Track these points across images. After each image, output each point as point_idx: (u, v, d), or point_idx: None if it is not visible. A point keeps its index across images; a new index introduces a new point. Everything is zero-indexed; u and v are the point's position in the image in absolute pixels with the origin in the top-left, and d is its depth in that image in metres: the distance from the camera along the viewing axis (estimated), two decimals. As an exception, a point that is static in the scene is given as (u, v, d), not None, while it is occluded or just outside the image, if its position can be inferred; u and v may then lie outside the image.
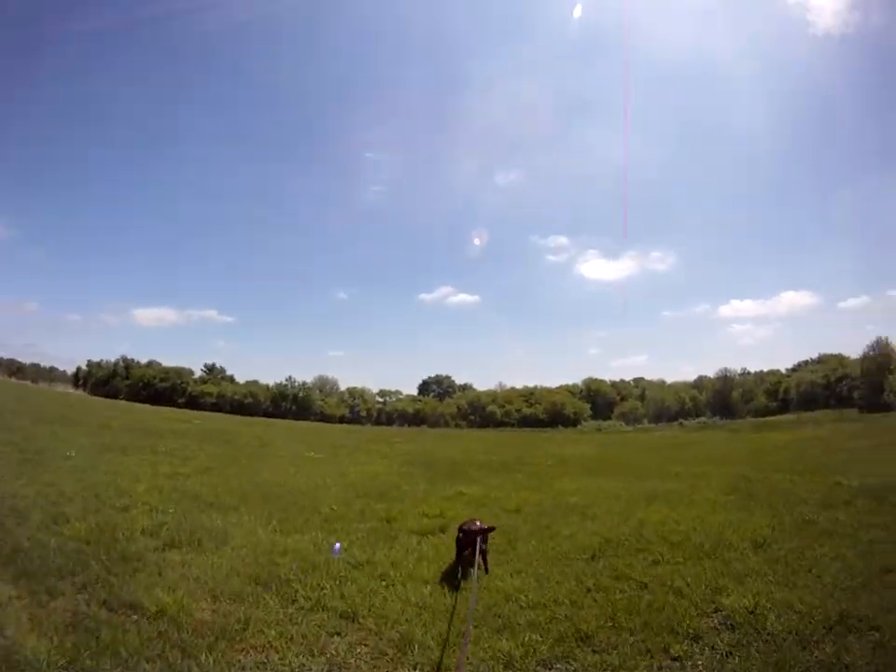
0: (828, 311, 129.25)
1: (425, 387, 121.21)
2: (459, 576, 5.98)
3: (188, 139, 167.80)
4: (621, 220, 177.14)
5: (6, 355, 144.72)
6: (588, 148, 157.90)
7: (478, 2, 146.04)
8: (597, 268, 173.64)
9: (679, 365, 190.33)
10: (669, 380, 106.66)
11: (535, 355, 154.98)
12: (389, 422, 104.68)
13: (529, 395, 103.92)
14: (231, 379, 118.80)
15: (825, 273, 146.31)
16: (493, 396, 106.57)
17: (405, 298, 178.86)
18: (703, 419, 77.53)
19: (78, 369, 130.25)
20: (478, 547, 6.10)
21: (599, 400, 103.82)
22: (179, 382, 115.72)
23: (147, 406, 64.74)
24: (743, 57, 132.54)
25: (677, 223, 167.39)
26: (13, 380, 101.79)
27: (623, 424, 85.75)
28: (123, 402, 70.97)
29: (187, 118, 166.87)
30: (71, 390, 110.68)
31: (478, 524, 6.56)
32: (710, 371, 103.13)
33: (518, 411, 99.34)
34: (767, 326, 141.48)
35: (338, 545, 7.09)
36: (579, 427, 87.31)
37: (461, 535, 6.39)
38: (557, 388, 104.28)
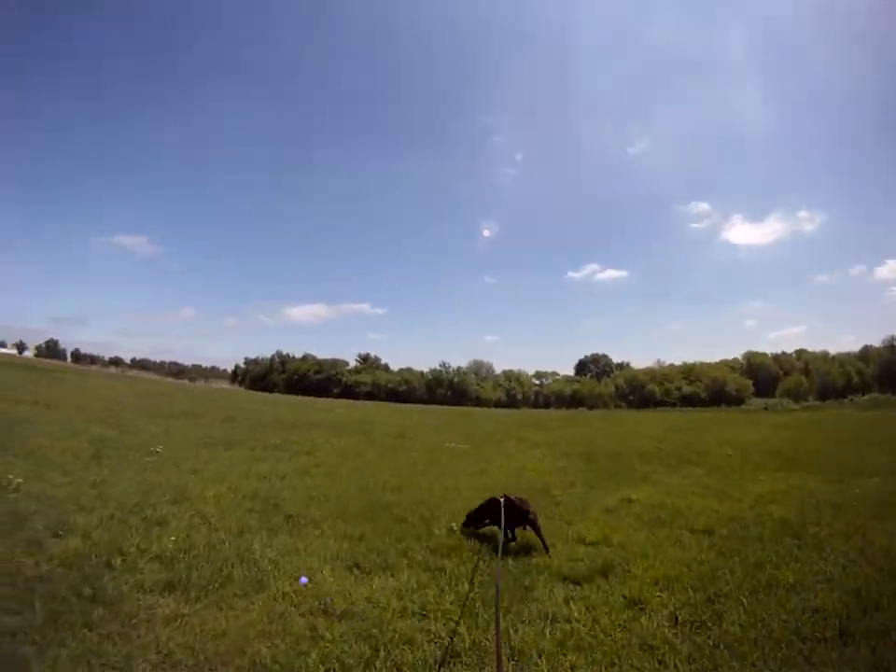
0: None
1: (582, 367, 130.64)
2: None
3: (321, 140, 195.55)
4: (763, 180, 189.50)
5: (168, 359, 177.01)
6: (721, 107, 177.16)
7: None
8: (743, 233, 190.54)
9: (840, 334, 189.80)
10: (832, 351, 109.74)
11: (690, 329, 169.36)
12: (546, 404, 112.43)
13: (689, 371, 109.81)
14: (386, 368, 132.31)
15: None
16: (651, 374, 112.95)
17: (553, 277, 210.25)
18: (874, 395, 76.77)
19: (236, 366, 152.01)
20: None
21: (761, 376, 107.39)
22: (334, 373, 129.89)
23: (295, 397, 70.07)
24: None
25: (822, 178, 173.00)
26: (170, 380, 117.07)
27: (791, 401, 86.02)
28: (273, 395, 77.87)
29: (313, 117, 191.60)
30: (226, 386, 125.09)
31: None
32: (875, 340, 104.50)
33: (678, 389, 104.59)
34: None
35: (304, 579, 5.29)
36: (743, 405, 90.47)
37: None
38: (717, 364, 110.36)
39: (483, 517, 7.51)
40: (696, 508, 9.44)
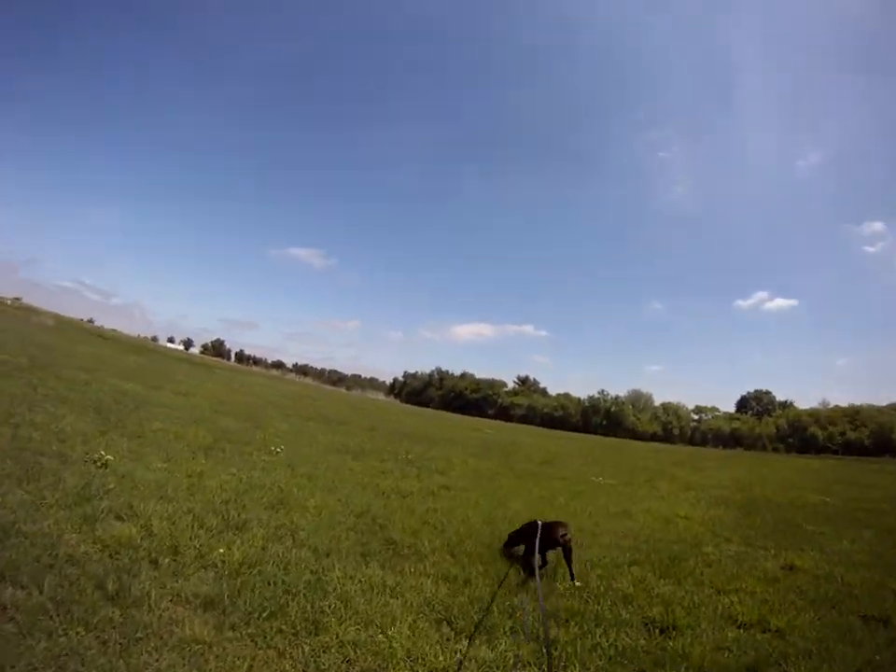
0: None
1: (743, 404, 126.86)
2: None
3: (485, 163, 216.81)
4: None
5: (330, 366, 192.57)
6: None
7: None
8: None
9: None
10: None
11: (858, 365, 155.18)
12: (703, 441, 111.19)
13: (854, 415, 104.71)
14: (544, 391, 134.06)
15: None
16: (815, 415, 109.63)
17: (721, 305, 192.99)
18: None
19: (395, 379, 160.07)
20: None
21: None
22: (491, 393, 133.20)
23: (446, 414, 71.29)
24: None
25: None
26: (327, 386, 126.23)
27: None
28: (426, 410, 79.57)
29: (474, 140, 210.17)
30: (382, 397, 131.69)
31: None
32: None
33: (842, 434, 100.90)
34: None
35: None
36: None
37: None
38: (885, 408, 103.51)
39: (519, 541, 7.46)
40: (868, 585, 7.96)
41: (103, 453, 8.26)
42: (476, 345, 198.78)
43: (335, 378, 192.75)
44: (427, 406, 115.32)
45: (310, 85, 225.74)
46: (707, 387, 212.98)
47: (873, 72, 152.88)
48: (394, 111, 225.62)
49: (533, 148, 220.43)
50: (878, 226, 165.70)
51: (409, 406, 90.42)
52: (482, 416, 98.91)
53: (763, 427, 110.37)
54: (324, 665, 3.87)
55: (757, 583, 7.53)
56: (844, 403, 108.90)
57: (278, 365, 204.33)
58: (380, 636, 4.42)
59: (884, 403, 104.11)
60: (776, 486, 22.26)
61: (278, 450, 12.56)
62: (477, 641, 4.63)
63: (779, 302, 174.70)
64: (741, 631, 5.67)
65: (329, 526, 7.43)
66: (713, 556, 9.03)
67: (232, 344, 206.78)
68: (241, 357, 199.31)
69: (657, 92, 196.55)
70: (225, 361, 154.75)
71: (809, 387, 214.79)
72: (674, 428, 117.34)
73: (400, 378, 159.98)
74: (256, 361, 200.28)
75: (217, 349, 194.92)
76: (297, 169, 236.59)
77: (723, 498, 16.38)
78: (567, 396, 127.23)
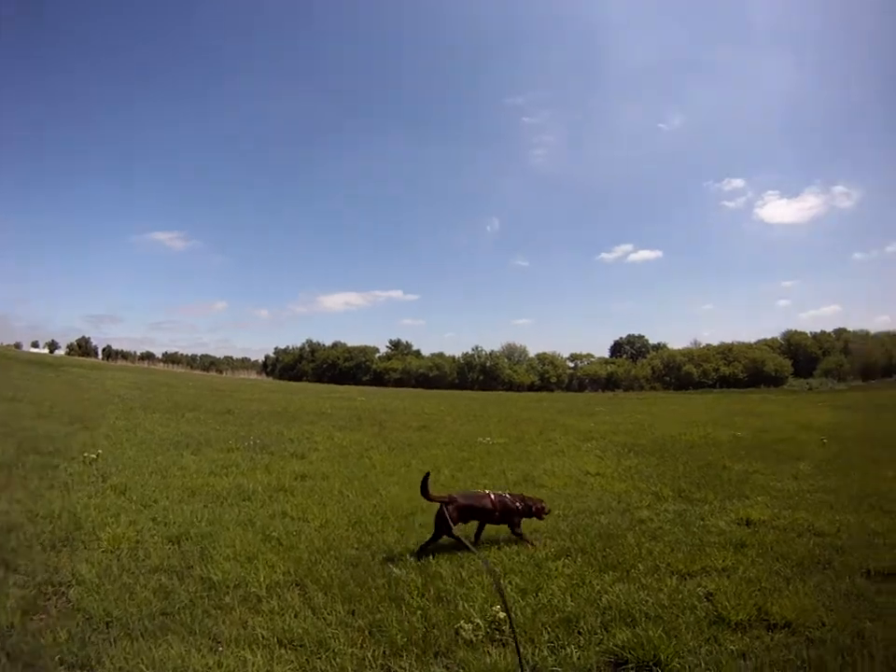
0: None
1: (617, 349, 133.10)
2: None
3: (344, 128, 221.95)
4: (797, 154, 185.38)
5: (201, 352, 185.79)
6: (756, 79, 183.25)
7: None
8: (778, 210, 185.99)
9: (874, 314, 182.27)
10: (871, 331, 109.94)
11: (722, 309, 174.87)
12: (581, 387, 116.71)
13: (727, 352, 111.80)
14: (417, 353, 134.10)
15: None
16: (689, 354, 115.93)
17: (585, 259, 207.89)
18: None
19: (266, 357, 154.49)
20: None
21: (800, 356, 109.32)
22: (364, 360, 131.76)
23: (318, 385, 69.32)
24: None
25: (860, 151, 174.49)
26: (198, 372, 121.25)
27: (834, 381, 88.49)
28: (296, 384, 77.26)
29: (338, 105, 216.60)
30: (255, 376, 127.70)
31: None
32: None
33: (716, 370, 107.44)
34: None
35: None
36: (785, 386, 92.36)
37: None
38: (756, 344, 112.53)
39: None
40: (845, 530, 6.83)
41: None
42: (348, 315, 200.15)
43: (207, 363, 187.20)
44: (301, 380, 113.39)
45: (158, 54, 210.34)
46: (580, 336, 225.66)
47: (733, 41, 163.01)
48: (250, 80, 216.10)
49: (398, 114, 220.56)
50: (738, 182, 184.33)
51: (279, 382, 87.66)
52: (356, 384, 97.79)
53: (639, 369, 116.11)
54: None
55: (725, 555, 5.89)
56: (715, 342, 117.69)
57: (147, 357, 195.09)
58: None
59: (751, 340, 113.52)
60: (675, 425, 21.99)
61: (94, 456, 10.02)
62: None
63: (644, 254, 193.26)
64: (742, 637, 4.03)
65: (124, 570, 5.19)
66: (653, 523, 7.36)
67: (99, 341, 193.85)
68: (108, 354, 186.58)
69: (520, 59, 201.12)
70: (92, 359, 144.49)
71: (680, 331, 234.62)
72: (551, 377, 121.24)
73: (272, 355, 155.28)
74: (125, 356, 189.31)
75: (83, 348, 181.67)
76: (155, 151, 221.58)
77: (629, 445, 15.36)
78: (440, 355, 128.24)
